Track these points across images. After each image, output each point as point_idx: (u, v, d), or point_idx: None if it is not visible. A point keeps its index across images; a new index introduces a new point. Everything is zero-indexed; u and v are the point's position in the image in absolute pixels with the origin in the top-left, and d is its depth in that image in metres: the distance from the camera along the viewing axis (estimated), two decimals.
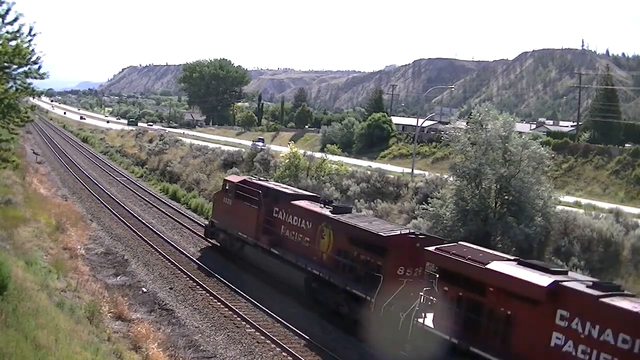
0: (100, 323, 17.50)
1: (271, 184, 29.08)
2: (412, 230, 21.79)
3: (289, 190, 28.05)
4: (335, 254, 22.26)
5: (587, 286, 14.38)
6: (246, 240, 27.62)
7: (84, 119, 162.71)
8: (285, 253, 24.79)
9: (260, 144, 68.53)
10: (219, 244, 30.80)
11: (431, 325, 17.11)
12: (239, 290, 24.23)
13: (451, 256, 17.08)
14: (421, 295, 17.68)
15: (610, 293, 14.00)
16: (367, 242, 20.73)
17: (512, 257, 17.25)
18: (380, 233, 20.30)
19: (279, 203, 26.14)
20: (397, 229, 21.27)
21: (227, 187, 30.06)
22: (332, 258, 22.37)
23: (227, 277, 25.74)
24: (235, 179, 30.76)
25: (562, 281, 14.60)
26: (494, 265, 15.88)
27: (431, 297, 17.45)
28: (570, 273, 16.11)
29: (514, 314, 15.15)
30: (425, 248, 18.45)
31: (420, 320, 17.27)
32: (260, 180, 30.18)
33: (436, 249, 18.07)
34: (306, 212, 24.46)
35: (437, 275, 17.55)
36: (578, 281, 14.96)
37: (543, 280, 14.68)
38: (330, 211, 23.65)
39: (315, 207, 24.57)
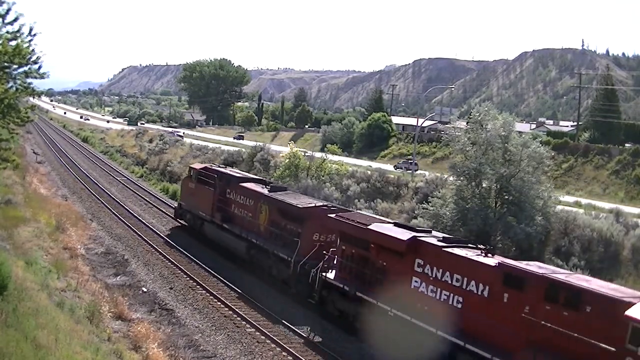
0: (100, 323, 17.46)
1: (227, 170, 33.16)
2: (327, 203, 25.67)
3: (240, 174, 32.64)
4: (269, 226, 26.06)
5: (438, 240, 17.83)
6: (205, 218, 31.66)
7: (88, 119, 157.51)
8: (233, 227, 28.75)
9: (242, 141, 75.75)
10: (186, 224, 34.75)
11: (332, 278, 20.90)
12: (239, 290, 24.23)
13: (346, 221, 20.65)
14: (326, 254, 21.47)
15: (452, 245, 17.39)
16: (290, 213, 24.69)
17: (392, 221, 21.31)
18: (299, 205, 24.35)
19: (231, 185, 30.19)
20: (314, 203, 25.05)
21: (191, 173, 34.51)
22: (267, 229, 26.20)
23: (227, 277, 25.74)
24: (198, 166, 35.30)
25: (420, 237, 18.03)
26: (374, 226, 19.40)
27: (335, 256, 21.14)
28: (433, 232, 19.53)
29: (387, 264, 18.60)
30: (328, 215, 22.08)
31: (324, 274, 21.15)
32: (219, 167, 34.51)
33: (336, 215, 21.70)
34: (250, 192, 28.48)
35: (338, 237, 21.23)
36: (434, 237, 18.29)
37: (405, 235, 18.10)
38: (268, 190, 27.65)
39: (258, 188, 28.65)
